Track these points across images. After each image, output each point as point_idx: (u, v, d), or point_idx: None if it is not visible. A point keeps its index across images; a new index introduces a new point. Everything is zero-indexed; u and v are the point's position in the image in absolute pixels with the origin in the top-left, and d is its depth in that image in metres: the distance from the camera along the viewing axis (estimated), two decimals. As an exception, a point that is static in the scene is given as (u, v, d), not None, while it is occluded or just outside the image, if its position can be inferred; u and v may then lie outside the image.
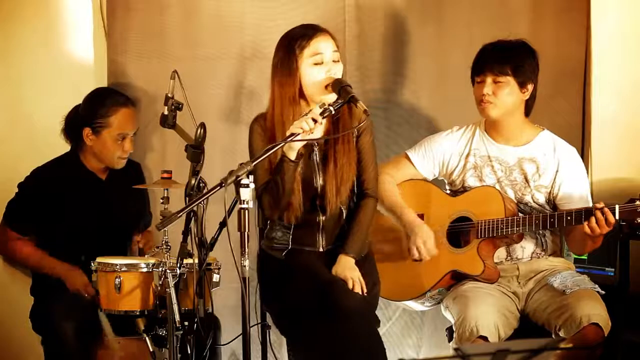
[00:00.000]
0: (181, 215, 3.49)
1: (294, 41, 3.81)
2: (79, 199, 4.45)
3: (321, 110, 3.65)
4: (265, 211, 3.88)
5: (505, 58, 4.07)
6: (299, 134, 3.60)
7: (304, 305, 3.76)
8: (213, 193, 3.45)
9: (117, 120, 4.44)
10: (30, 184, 4.46)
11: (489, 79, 4.07)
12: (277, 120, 3.82)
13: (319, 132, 3.74)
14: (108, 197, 4.50)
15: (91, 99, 4.48)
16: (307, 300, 3.75)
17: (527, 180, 4.13)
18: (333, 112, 3.68)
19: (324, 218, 3.90)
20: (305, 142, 3.70)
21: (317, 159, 3.89)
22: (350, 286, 3.78)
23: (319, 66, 3.80)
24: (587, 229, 3.88)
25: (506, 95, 4.08)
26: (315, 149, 3.88)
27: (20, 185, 4.48)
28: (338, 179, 3.86)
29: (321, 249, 3.94)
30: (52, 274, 4.38)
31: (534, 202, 4.13)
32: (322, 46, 3.81)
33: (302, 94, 3.84)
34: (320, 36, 3.82)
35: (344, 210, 3.93)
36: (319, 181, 3.88)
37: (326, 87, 3.77)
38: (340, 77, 3.80)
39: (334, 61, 3.82)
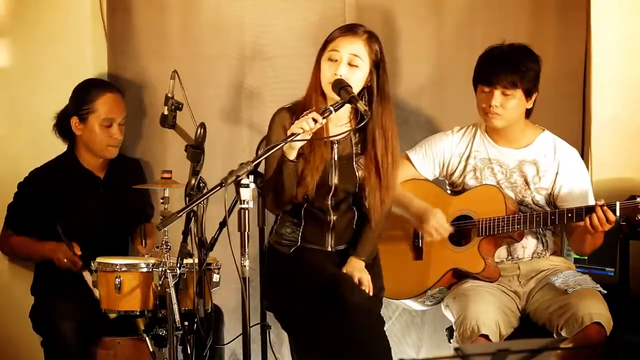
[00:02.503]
0: (181, 215, 3.49)
1: (328, 36, 3.86)
2: (76, 198, 4.44)
3: (321, 110, 3.66)
4: (267, 205, 3.91)
5: (514, 68, 4.01)
6: (299, 134, 3.60)
7: (309, 302, 3.76)
8: (213, 193, 3.45)
9: (102, 105, 4.44)
10: (27, 184, 4.47)
11: (498, 91, 4.03)
12: (306, 107, 3.81)
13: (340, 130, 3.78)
14: (106, 196, 4.50)
15: (76, 89, 4.49)
16: (313, 297, 3.75)
17: (527, 183, 4.13)
18: (333, 112, 3.68)
19: (334, 217, 3.91)
20: (304, 142, 3.69)
21: (335, 157, 3.88)
22: (356, 281, 3.81)
23: (331, 62, 3.80)
24: (588, 226, 3.88)
25: (513, 106, 4.05)
26: (335, 147, 3.88)
27: (19, 186, 4.48)
28: (383, 187, 3.87)
29: (329, 249, 3.94)
30: (42, 257, 4.37)
31: (534, 203, 4.12)
32: (341, 45, 3.80)
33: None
34: (348, 37, 3.81)
35: (355, 212, 3.94)
36: (334, 180, 3.88)
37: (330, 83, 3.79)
38: (352, 83, 3.77)
39: (350, 64, 3.79)
